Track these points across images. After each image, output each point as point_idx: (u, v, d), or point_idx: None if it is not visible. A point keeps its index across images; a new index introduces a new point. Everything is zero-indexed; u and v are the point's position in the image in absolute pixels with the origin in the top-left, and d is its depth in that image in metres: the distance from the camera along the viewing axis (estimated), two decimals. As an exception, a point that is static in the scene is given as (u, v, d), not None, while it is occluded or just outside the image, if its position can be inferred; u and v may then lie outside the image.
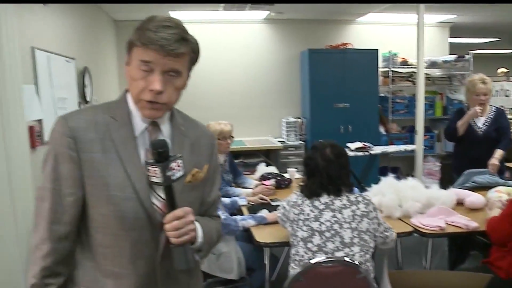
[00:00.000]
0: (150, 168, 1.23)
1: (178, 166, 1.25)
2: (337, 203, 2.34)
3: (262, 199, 3.49)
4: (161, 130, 1.35)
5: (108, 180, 1.26)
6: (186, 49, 1.25)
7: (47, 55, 3.61)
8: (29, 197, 2.90)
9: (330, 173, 2.39)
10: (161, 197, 1.29)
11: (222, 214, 2.73)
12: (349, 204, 2.34)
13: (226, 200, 3.29)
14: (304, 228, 2.32)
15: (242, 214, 3.18)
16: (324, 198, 2.36)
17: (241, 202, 3.40)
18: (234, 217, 2.96)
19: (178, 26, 1.24)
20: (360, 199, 2.37)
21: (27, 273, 1.28)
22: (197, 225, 1.32)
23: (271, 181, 3.84)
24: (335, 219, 2.30)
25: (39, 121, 3.39)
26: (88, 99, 4.68)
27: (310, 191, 2.42)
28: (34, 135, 3.23)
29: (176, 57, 1.23)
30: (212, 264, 2.92)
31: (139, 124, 1.32)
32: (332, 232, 2.28)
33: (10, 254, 2.63)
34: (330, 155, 2.43)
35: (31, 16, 3.39)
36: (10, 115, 2.69)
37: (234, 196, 3.50)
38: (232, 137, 3.56)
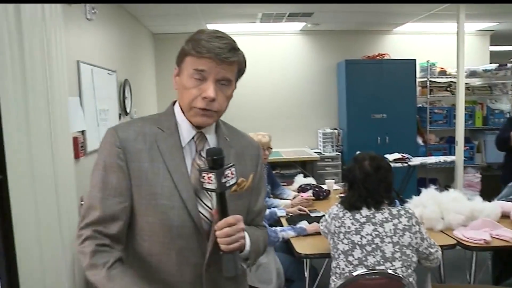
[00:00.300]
0: (204, 174, 1.24)
1: (232, 174, 1.27)
2: (379, 216, 2.30)
3: (300, 210, 3.47)
4: (207, 140, 1.39)
5: (156, 189, 1.29)
6: (237, 59, 1.30)
7: (91, 68, 3.72)
8: (73, 207, 2.99)
9: (367, 186, 2.35)
10: (208, 206, 1.33)
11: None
12: (391, 217, 2.29)
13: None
14: (345, 241, 2.30)
15: (281, 225, 3.18)
16: (365, 211, 2.33)
17: (280, 213, 3.39)
18: (274, 228, 2.96)
19: (228, 37, 1.30)
20: (402, 212, 2.32)
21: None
22: (245, 234, 1.33)
23: (309, 193, 3.83)
24: (376, 232, 2.26)
25: (82, 132, 3.49)
26: (128, 110, 4.79)
27: (350, 203, 2.39)
28: (78, 146, 3.32)
29: (229, 65, 1.28)
30: (251, 275, 2.92)
31: (186, 134, 1.36)
32: (373, 246, 2.25)
33: (56, 259, 2.70)
34: (368, 168, 2.38)
35: (77, 31, 3.52)
36: (57, 126, 2.78)
37: (273, 207, 3.50)
38: (271, 148, 3.56)
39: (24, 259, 2.41)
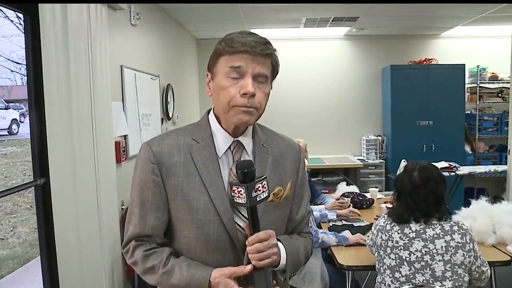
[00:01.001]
0: (235, 188, 1.21)
1: (264, 187, 1.23)
2: (429, 232, 2.17)
3: (353, 212, 3.44)
4: (244, 147, 1.34)
5: (192, 203, 1.28)
6: (271, 51, 1.27)
7: (134, 73, 3.74)
8: (114, 211, 3.00)
9: (414, 198, 2.23)
10: (245, 217, 1.29)
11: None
12: (443, 233, 2.16)
13: (315, 214, 3.27)
14: (392, 256, 2.20)
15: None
16: (415, 226, 2.21)
17: (331, 215, 3.35)
18: (315, 228, 2.89)
19: (258, 34, 1.28)
20: (455, 228, 2.17)
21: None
22: (281, 246, 1.30)
23: (348, 200, 3.76)
24: (426, 249, 2.14)
25: (124, 137, 3.50)
26: (170, 115, 4.80)
27: (397, 215, 2.28)
28: (120, 151, 3.33)
29: (264, 59, 1.25)
30: (295, 276, 2.86)
31: (222, 144, 1.33)
32: (423, 263, 2.13)
33: (95, 262, 2.73)
34: (416, 179, 2.25)
35: (121, 36, 3.54)
36: (100, 131, 2.80)
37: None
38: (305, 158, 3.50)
39: (64, 262, 2.44)
